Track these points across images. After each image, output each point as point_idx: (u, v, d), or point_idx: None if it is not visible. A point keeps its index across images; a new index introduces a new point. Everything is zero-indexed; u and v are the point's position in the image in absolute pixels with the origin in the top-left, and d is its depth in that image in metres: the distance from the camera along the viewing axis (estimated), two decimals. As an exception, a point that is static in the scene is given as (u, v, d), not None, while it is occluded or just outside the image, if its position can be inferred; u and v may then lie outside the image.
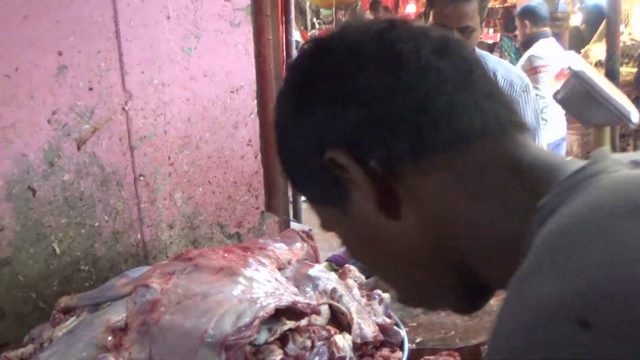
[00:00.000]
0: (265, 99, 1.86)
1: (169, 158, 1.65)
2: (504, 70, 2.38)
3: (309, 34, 14.61)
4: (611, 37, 3.61)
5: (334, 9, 14.97)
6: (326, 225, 0.75)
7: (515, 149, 0.61)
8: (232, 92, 1.74)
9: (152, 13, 1.58)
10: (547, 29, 4.18)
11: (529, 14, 4.40)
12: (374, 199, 0.63)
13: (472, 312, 0.74)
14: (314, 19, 16.12)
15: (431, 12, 2.27)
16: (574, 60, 1.34)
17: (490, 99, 0.63)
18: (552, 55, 3.63)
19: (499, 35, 11.04)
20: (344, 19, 16.01)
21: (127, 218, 1.61)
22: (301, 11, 15.31)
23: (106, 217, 1.58)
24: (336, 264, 2.27)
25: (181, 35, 1.63)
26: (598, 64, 6.73)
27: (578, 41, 9.99)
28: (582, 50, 7.77)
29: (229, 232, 1.79)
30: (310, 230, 3.27)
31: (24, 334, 1.40)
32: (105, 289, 1.35)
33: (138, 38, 1.56)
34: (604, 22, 8.11)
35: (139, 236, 1.64)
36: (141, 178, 1.61)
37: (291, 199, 4.47)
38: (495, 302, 1.81)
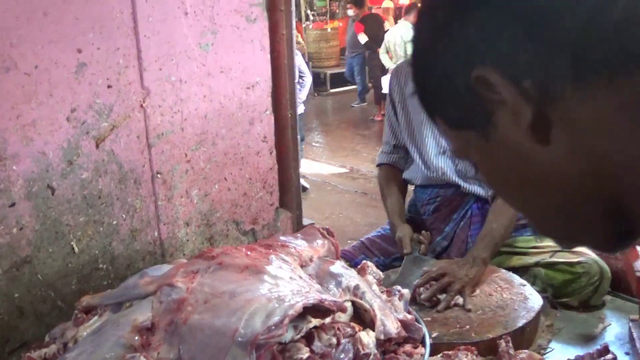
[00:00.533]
0: (279, 94, 1.86)
1: (186, 155, 1.65)
2: None
3: (303, 25, 14.60)
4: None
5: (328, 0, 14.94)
6: (461, 152, 0.70)
7: None
8: (248, 88, 1.73)
9: (170, 9, 1.57)
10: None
11: None
12: (523, 121, 0.58)
13: (615, 252, 0.69)
14: (308, 11, 16.09)
15: None
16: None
17: None
18: None
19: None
20: (337, 11, 15.99)
21: (145, 216, 1.61)
22: (295, 3, 15.27)
23: (124, 215, 1.58)
24: (346, 261, 2.28)
25: (198, 31, 1.62)
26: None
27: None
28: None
29: (244, 229, 1.79)
30: (313, 224, 3.28)
31: (43, 333, 1.40)
32: (128, 287, 1.35)
33: (156, 34, 1.56)
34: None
35: (156, 234, 1.64)
36: (158, 175, 1.61)
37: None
38: (509, 296, 1.82)
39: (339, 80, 13.08)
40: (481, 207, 2.25)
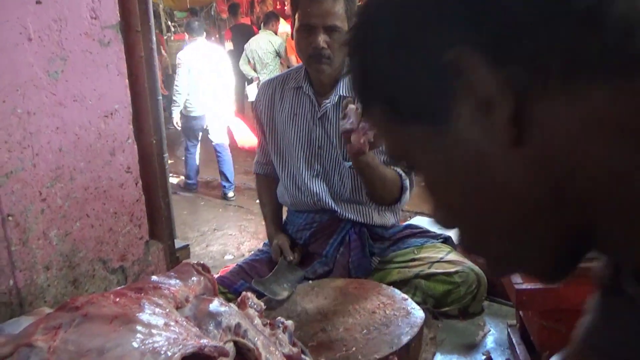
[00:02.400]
0: (141, 121, 1.75)
1: (41, 193, 1.50)
2: None
3: (165, 37, 14.25)
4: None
5: (188, 10, 14.67)
6: (399, 151, 0.62)
7: None
8: (106, 116, 1.61)
9: (11, 35, 1.42)
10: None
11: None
12: (499, 115, 0.51)
13: (556, 282, 0.62)
14: (169, 22, 15.75)
15: (296, 15, 2.17)
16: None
17: None
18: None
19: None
20: (197, 23, 15.73)
21: (-3, 264, 1.45)
22: (155, 15, 14.87)
23: (-28, 265, 1.41)
24: (225, 287, 2.19)
25: (45, 57, 1.48)
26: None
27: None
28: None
29: (112, 267, 1.66)
30: (188, 246, 3.16)
31: None
32: (-21, 350, 1.19)
33: (-4, 63, 1.40)
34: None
35: (11, 282, 1.48)
36: (10, 218, 1.45)
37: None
38: (392, 312, 1.80)
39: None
40: (358, 232, 2.23)
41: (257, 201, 6.61)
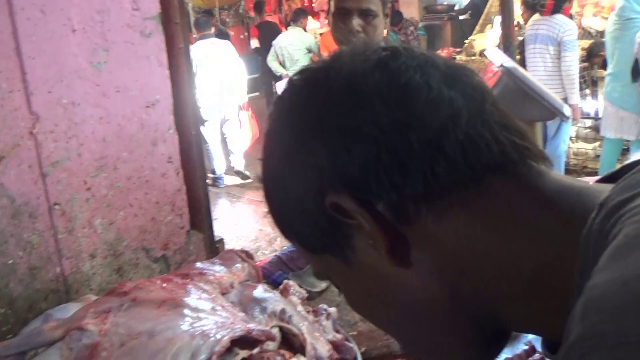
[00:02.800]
0: (182, 111, 1.76)
1: (85, 182, 1.52)
2: None
3: (194, 36, 14.33)
4: (506, 30, 3.73)
5: (217, 9, 14.74)
6: (321, 275, 0.69)
7: (539, 178, 0.57)
8: (147, 107, 1.63)
9: (56, 26, 1.44)
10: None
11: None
12: (382, 246, 0.57)
13: (491, 358, 0.68)
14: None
15: (332, 0, 2.21)
16: (501, 56, 1.34)
17: (506, 128, 0.58)
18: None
19: (386, 30, 11.26)
20: (227, 20, 15.80)
21: (44, 251, 1.47)
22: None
23: (20, 253, 1.44)
24: (263, 278, 2.20)
25: (89, 49, 1.50)
26: (482, 54, 7.00)
27: (459, 32, 10.40)
28: (466, 41, 8.08)
29: (155, 256, 1.68)
30: (222, 239, 3.17)
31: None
32: (31, 334, 1.22)
33: (42, 54, 1.43)
34: (484, 14, 8.47)
35: (58, 270, 1.50)
36: (56, 207, 1.48)
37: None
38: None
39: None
40: None
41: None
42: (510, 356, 1.51)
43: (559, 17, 5.31)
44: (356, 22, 2.12)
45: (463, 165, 0.55)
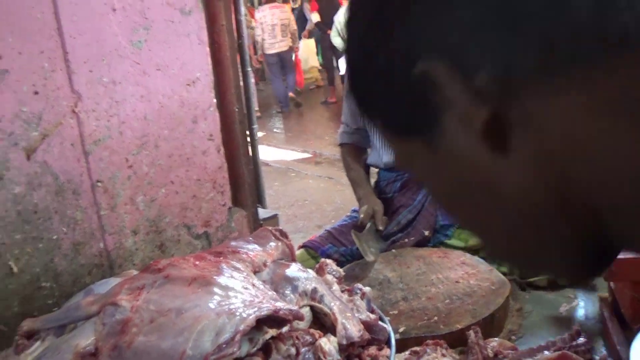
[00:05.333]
0: (224, 89, 1.77)
1: (127, 160, 1.55)
2: None
3: (256, 10, 14.38)
4: None
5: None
6: (405, 162, 0.60)
7: None
8: (188, 85, 1.64)
9: (96, 6, 1.46)
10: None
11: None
12: (476, 126, 0.48)
13: (588, 281, 0.58)
14: (260, -5, 15.88)
15: None
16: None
17: None
18: None
19: None
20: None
21: (88, 227, 1.51)
22: (246, -12, 15.03)
23: (64, 229, 1.48)
24: (313, 250, 2.22)
25: (129, 27, 1.52)
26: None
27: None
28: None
29: (196, 233, 1.70)
30: (276, 215, 3.20)
31: (-15, 361, 1.30)
32: (70, 308, 1.26)
33: (83, 34, 1.45)
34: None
35: (101, 245, 1.54)
36: (99, 184, 1.51)
37: (255, 185, 4.39)
38: (476, 283, 1.76)
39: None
40: None
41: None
42: (553, 339, 1.47)
43: None
44: None
45: (588, 36, 0.44)
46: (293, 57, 11.17)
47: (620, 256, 1.40)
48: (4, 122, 1.36)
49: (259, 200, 4.40)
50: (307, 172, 7.08)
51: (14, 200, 1.40)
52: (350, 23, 0.57)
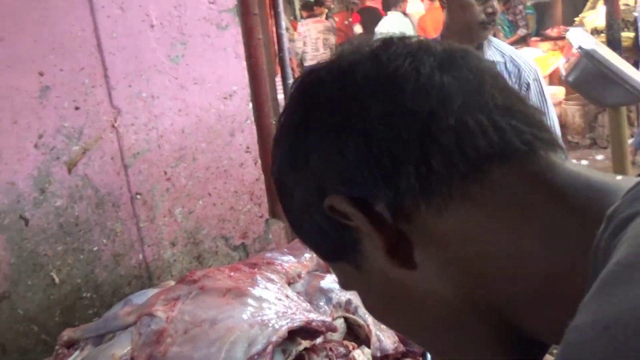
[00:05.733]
0: (261, 102, 1.79)
1: (166, 173, 1.58)
2: (513, 57, 2.28)
3: (299, 23, 14.48)
4: (610, 6, 3.52)
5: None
6: (345, 285, 0.65)
7: (550, 169, 0.52)
8: (225, 98, 1.66)
9: (135, 22, 1.50)
10: None
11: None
12: (382, 247, 0.54)
13: None
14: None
15: None
16: (582, 38, 1.26)
17: (510, 113, 0.53)
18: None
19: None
20: (332, 6, 15.85)
21: (127, 239, 1.55)
22: (289, 1, 15.17)
23: (105, 240, 1.51)
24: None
25: (167, 43, 1.55)
26: (594, 32, 6.64)
27: (571, 9, 9.92)
28: (577, 19, 7.69)
29: (234, 244, 1.72)
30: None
31: (28, 370, 1.34)
32: (108, 318, 1.28)
33: (122, 50, 1.49)
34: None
35: (140, 257, 1.57)
36: (138, 196, 1.54)
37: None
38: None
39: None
40: None
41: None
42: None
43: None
44: (496, 3, 2.21)
45: (458, 154, 0.51)
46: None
47: None
48: (46, 137, 1.40)
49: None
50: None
51: (56, 213, 1.44)
52: (272, 166, 0.62)
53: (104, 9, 1.45)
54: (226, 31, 1.64)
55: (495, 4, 2.20)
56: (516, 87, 2.21)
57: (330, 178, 0.54)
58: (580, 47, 1.31)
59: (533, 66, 2.28)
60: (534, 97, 2.22)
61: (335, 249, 0.59)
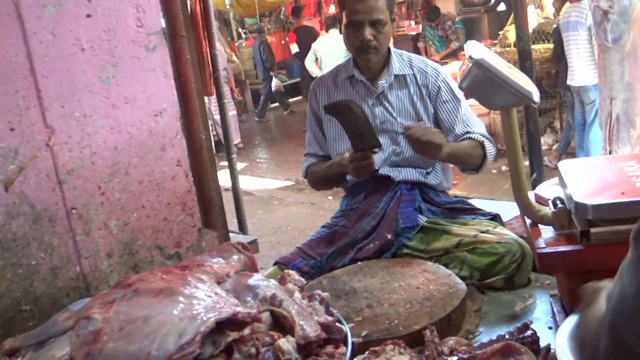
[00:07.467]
0: (190, 118, 1.89)
1: (100, 188, 1.66)
2: (420, 67, 2.46)
3: (236, 44, 14.61)
4: (519, 20, 3.78)
5: (257, 16, 14.99)
6: None
7: None
8: (155, 115, 1.76)
9: (66, 47, 1.59)
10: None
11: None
12: None
13: None
14: (240, 29, 16.11)
15: (343, 13, 2.38)
16: (474, 49, 1.41)
17: None
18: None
19: (420, 26, 11.32)
20: (269, 26, 16.03)
21: (64, 252, 1.62)
22: (225, 23, 15.27)
23: (42, 254, 1.59)
24: (285, 265, 2.33)
25: (98, 65, 1.64)
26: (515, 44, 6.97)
27: (496, 24, 10.35)
28: (500, 33, 8.05)
29: (168, 253, 1.81)
30: (256, 240, 3.32)
31: (-29, 381, 1.39)
32: (48, 325, 1.36)
33: (54, 73, 1.57)
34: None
35: (77, 269, 1.65)
36: (73, 211, 1.62)
37: (236, 212, 4.51)
38: (435, 288, 1.87)
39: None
40: (410, 188, 2.40)
41: (329, 197, 6.63)
42: (503, 334, 1.58)
43: (586, 2, 5.27)
44: (368, 32, 2.33)
45: None
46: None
47: (551, 250, 1.52)
48: (-17, 157, 1.47)
49: (240, 227, 4.51)
50: (290, 199, 7.19)
51: (-6, 229, 1.50)
52: None
53: (36, 35, 1.54)
54: (154, 52, 1.75)
55: (367, 33, 2.32)
56: (427, 92, 2.43)
57: None
58: (470, 57, 1.47)
59: (438, 69, 2.48)
60: (445, 96, 2.41)
61: None
